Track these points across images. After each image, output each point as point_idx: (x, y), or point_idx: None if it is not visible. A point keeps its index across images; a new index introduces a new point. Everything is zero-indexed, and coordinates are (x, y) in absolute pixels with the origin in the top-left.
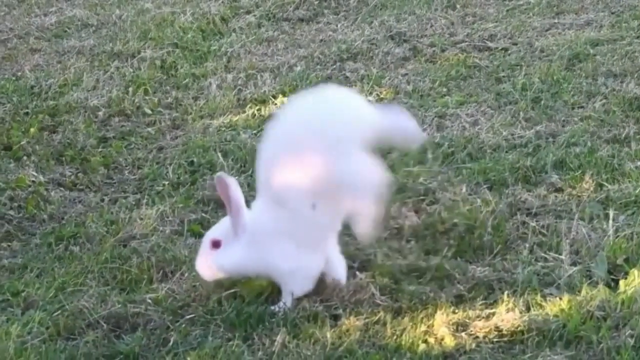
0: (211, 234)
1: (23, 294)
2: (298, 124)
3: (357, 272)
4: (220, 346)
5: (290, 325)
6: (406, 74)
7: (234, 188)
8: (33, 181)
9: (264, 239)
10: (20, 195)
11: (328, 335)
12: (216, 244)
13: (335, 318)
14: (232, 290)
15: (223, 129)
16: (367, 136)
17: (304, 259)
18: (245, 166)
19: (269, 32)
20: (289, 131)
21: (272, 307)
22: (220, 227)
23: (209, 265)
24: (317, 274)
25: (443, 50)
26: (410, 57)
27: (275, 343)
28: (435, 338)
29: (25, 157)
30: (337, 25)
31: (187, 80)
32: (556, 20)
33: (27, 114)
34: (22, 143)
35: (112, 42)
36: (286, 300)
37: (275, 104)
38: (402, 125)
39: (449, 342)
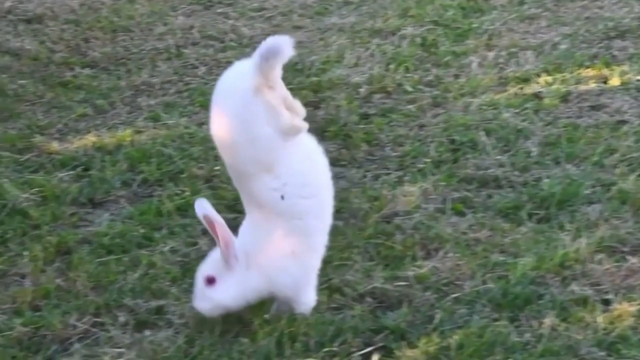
0: (203, 271)
1: None
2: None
3: (629, 257)
4: (487, 326)
5: (559, 308)
6: None
7: (220, 222)
8: None
9: (260, 259)
10: None
11: (599, 320)
12: (211, 281)
13: (606, 303)
14: (497, 271)
15: (485, 107)
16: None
17: (304, 265)
18: (508, 145)
19: (532, 10)
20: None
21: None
22: (211, 262)
23: (209, 302)
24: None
25: None
26: None
27: (544, 325)
28: None
29: None
30: (603, 2)
31: (447, 58)
32: None
33: (291, 89)
34: None
35: (372, 19)
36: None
37: (539, 82)
38: None
39: None
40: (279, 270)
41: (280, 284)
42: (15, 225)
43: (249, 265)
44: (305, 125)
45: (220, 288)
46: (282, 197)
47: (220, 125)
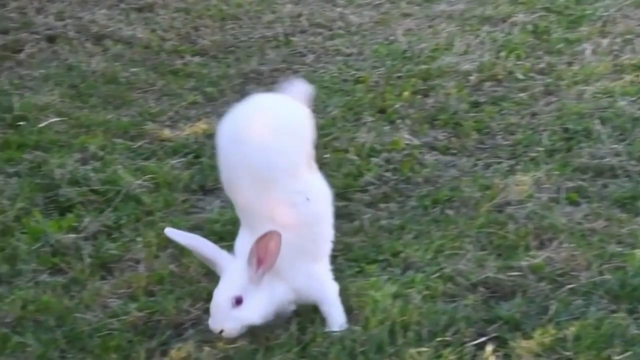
0: (229, 293)
1: (402, 255)
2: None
3: None
4: (605, 318)
5: None
6: None
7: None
8: (407, 144)
9: (283, 269)
10: (395, 157)
11: None
12: (239, 301)
13: None
14: (614, 262)
15: (599, 95)
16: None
17: (323, 266)
18: (624, 134)
19: None
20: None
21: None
22: (233, 284)
23: (239, 323)
24: None
25: None
26: None
27: None
28: None
29: (399, 120)
30: None
31: (560, 45)
32: None
33: (400, 77)
34: (396, 106)
35: (482, 6)
36: (337, 318)
37: None
38: None
39: None
40: (305, 277)
41: (310, 291)
42: (129, 211)
43: (275, 277)
44: None
45: (251, 305)
46: (308, 199)
47: (264, 134)
